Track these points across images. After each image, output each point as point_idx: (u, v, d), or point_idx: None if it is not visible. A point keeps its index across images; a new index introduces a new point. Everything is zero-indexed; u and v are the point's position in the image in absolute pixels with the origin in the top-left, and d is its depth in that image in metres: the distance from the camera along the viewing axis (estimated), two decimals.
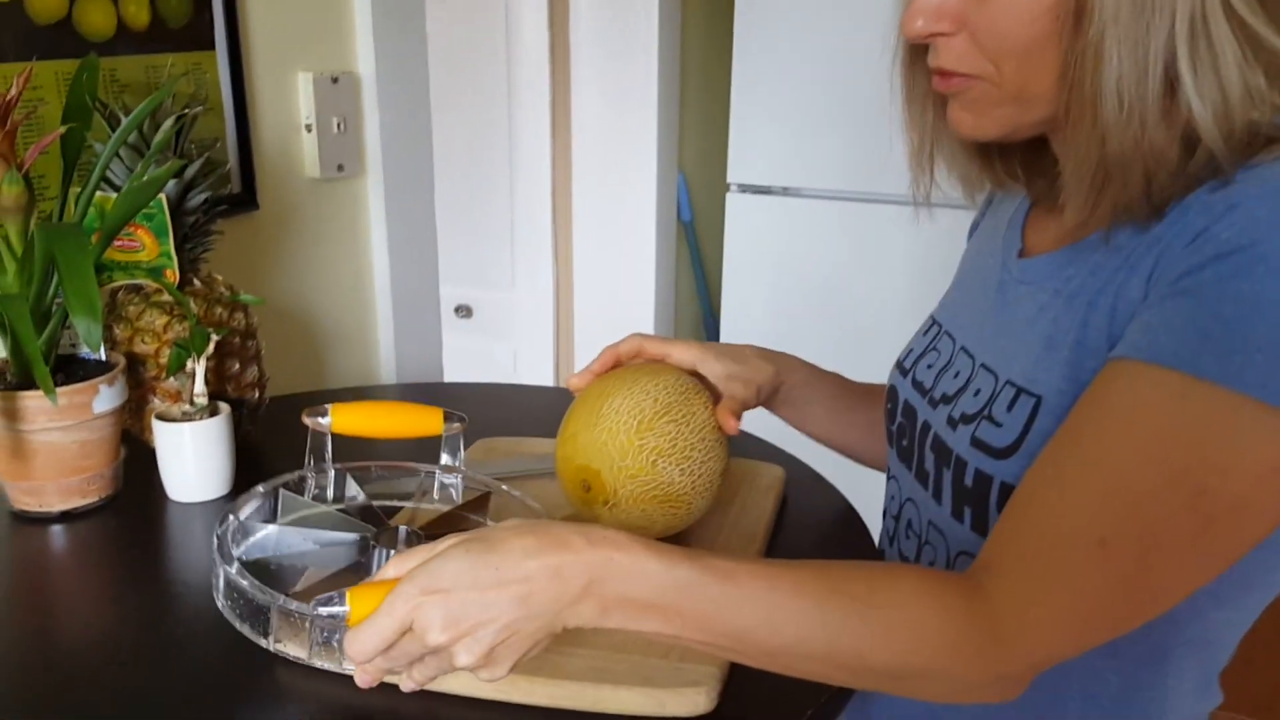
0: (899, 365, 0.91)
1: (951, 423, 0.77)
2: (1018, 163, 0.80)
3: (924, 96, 0.78)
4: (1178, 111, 0.62)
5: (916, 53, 0.76)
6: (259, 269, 1.34)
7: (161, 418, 0.99)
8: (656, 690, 0.70)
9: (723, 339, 2.39)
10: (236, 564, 0.71)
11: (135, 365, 1.03)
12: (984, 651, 0.60)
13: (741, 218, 2.30)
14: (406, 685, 0.64)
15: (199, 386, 0.99)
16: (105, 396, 0.94)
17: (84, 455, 0.95)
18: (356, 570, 0.77)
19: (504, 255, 2.62)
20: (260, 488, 0.83)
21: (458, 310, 2.73)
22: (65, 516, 0.96)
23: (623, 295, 2.49)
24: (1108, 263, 0.68)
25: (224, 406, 1.01)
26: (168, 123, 0.98)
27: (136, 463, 1.03)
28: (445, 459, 0.91)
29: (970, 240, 0.95)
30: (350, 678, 0.64)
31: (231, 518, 0.77)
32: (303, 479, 0.87)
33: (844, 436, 1.02)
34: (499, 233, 2.60)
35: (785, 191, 2.25)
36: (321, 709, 0.69)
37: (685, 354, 0.89)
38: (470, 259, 2.65)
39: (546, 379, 2.62)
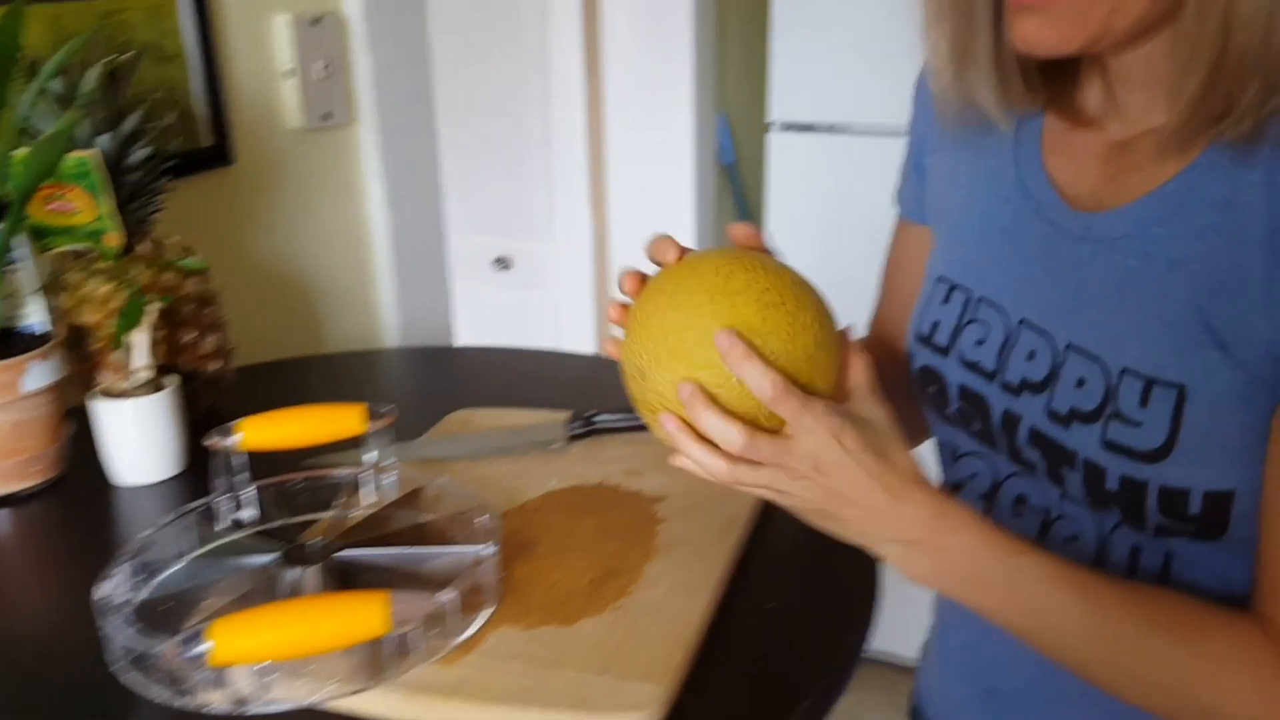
0: (924, 339, 0.78)
1: (1058, 419, 0.67)
2: (1038, 80, 0.71)
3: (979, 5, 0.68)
4: None
5: None
6: (238, 228, 1.26)
7: (105, 394, 0.92)
8: (591, 714, 0.60)
9: None
10: (121, 615, 0.64)
11: (82, 337, 0.96)
12: None
13: (785, 158, 2.16)
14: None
15: (140, 359, 0.92)
16: (36, 373, 0.88)
17: (18, 436, 0.88)
18: (265, 593, 0.69)
19: (541, 204, 2.52)
20: (167, 518, 0.75)
21: (497, 262, 2.65)
22: (3, 501, 0.89)
23: None
24: (1214, 223, 0.60)
25: (171, 380, 0.93)
26: (93, 71, 0.89)
27: (90, 442, 0.96)
28: (371, 456, 0.83)
29: (928, 182, 0.82)
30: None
31: (121, 567, 0.70)
32: (212, 505, 0.79)
33: None
34: (535, 182, 2.50)
35: (832, 129, 2.10)
36: None
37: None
38: (507, 209, 2.56)
39: (588, 330, 2.53)
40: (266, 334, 1.30)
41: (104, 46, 0.95)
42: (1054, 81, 0.72)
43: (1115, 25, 0.60)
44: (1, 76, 0.87)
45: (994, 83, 0.70)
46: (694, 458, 0.62)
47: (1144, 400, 0.62)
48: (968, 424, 0.75)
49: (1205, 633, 0.60)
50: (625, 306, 0.68)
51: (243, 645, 0.55)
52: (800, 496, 0.62)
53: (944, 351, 0.76)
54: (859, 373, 0.64)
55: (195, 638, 0.53)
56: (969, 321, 0.74)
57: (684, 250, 0.67)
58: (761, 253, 0.67)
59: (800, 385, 0.61)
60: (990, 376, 0.72)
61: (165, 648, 0.55)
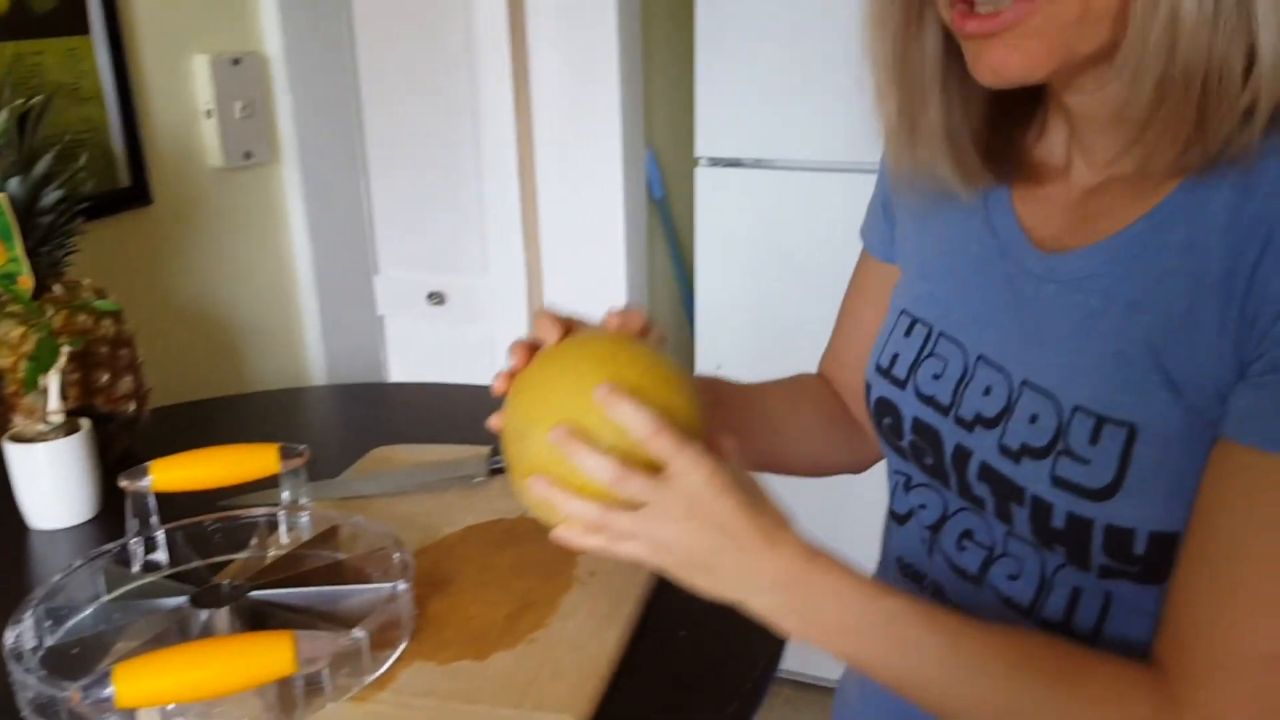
0: (884, 371, 0.78)
1: (1009, 454, 0.68)
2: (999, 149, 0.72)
3: (930, 59, 0.68)
4: (1246, 24, 0.57)
5: (912, 9, 0.67)
6: (158, 268, 1.25)
7: (16, 438, 0.90)
8: None
9: (699, 319, 2.30)
10: (30, 660, 0.63)
11: None
12: None
13: (713, 193, 2.20)
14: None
15: (54, 402, 0.91)
16: None
17: None
18: (177, 636, 0.68)
19: (474, 240, 2.53)
20: (77, 563, 0.74)
21: (430, 297, 2.64)
22: None
23: (594, 276, 2.40)
24: (1175, 266, 0.61)
25: (84, 423, 0.93)
26: (0, 115, 0.89)
27: (4, 485, 0.95)
28: (286, 496, 0.83)
29: (897, 223, 0.84)
30: None
31: (30, 613, 0.69)
32: (125, 548, 0.78)
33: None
34: (468, 217, 2.51)
35: (758, 164, 2.14)
36: None
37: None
38: (440, 244, 2.56)
39: None
40: (189, 374, 1.29)
41: (15, 90, 0.94)
42: (1012, 148, 0.73)
43: (1080, 44, 0.61)
44: None
45: (949, 160, 0.71)
46: (566, 508, 0.62)
47: (1094, 438, 0.63)
48: (920, 457, 0.76)
49: (1078, 674, 0.61)
50: (511, 375, 0.69)
51: (148, 688, 0.55)
52: (675, 546, 0.62)
53: (901, 384, 0.76)
54: (729, 442, 0.66)
55: (100, 681, 0.53)
56: (928, 355, 0.75)
57: (568, 328, 0.70)
58: (642, 339, 0.70)
59: None
60: (945, 411, 0.73)
61: (70, 693, 0.54)
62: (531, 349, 0.70)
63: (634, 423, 0.61)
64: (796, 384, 0.92)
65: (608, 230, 2.35)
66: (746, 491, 0.63)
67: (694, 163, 2.18)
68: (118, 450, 1.01)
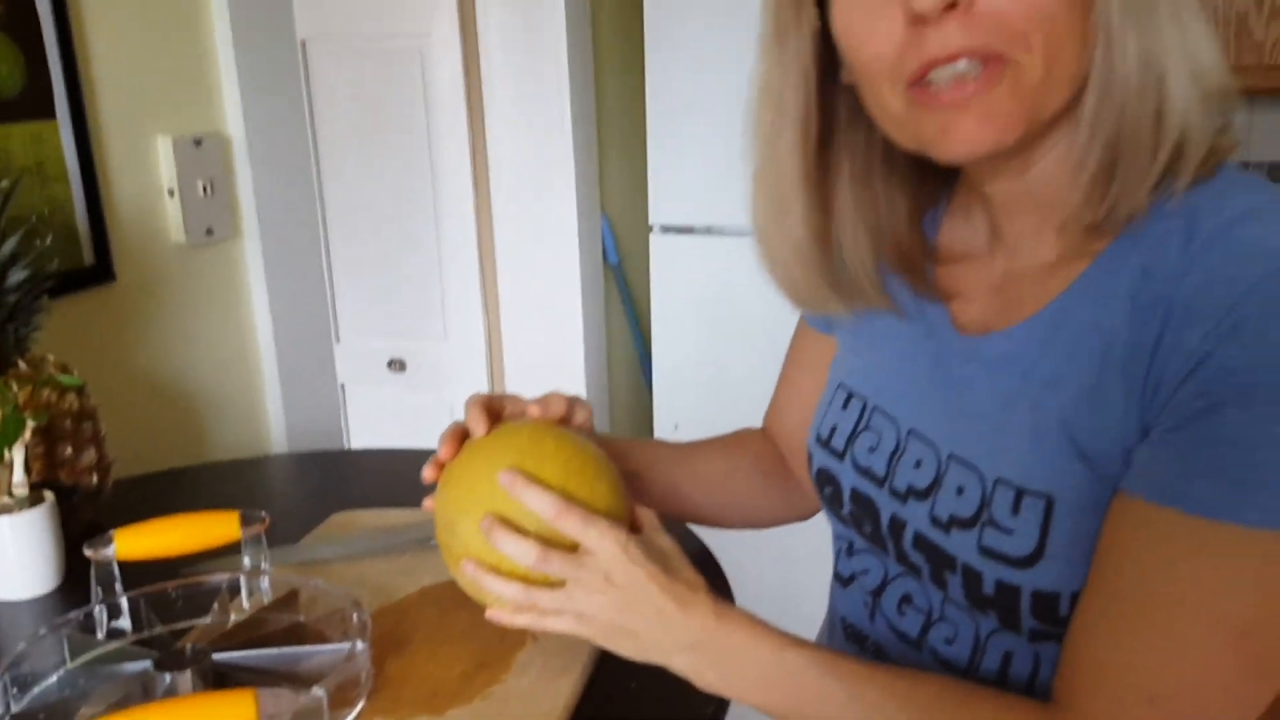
0: (823, 442, 0.82)
1: (939, 524, 0.71)
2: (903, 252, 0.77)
3: (862, 168, 0.73)
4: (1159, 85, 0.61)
5: (804, 125, 0.72)
6: (121, 343, 1.28)
7: None
8: None
9: (656, 381, 2.34)
10: None
11: None
12: None
13: (666, 258, 2.25)
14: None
15: (19, 475, 0.93)
16: None
17: None
18: (141, 699, 0.70)
19: (434, 307, 2.57)
20: (42, 630, 0.76)
21: (391, 364, 2.67)
22: None
23: (553, 341, 2.44)
24: (1084, 344, 0.64)
25: (48, 495, 0.95)
26: None
27: None
28: (247, 562, 0.85)
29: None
30: None
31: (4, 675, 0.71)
32: (89, 616, 0.81)
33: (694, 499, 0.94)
34: (429, 285, 2.56)
35: (709, 230, 2.21)
36: None
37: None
38: (401, 311, 2.60)
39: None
40: (152, 445, 1.31)
41: None
42: (926, 244, 0.77)
43: (1045, 106, 0.63)
44: None
45: (803, 274, 0.76)
46: (494, 590, 0.68)
47: (1015, 509, 0.65)
48: (860, 525, 0.79)
49: (969, 707, 0.64)
50: (442, 464, 0.76)
51: None
52: (596, 615, 0.67)
53: (840, 455, 0.80)
54: (646, 515, 0.71)
55: None
56: (864, 429, 0.79)
57: (498, 416, 0.77)
58: (567, 428, 0.76)
59: None
60: (880, 482, 0.76)
61: None
62: (461, 437, 0.77)
63: (539, 506, 0.67)
64: (737, 440, 0.96)
65: (566, 296, 2.40)
66: (659, 560, 0.67)
67: (648, 229, 2.24)
68: (81, 522, 1.03)
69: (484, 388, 2.55)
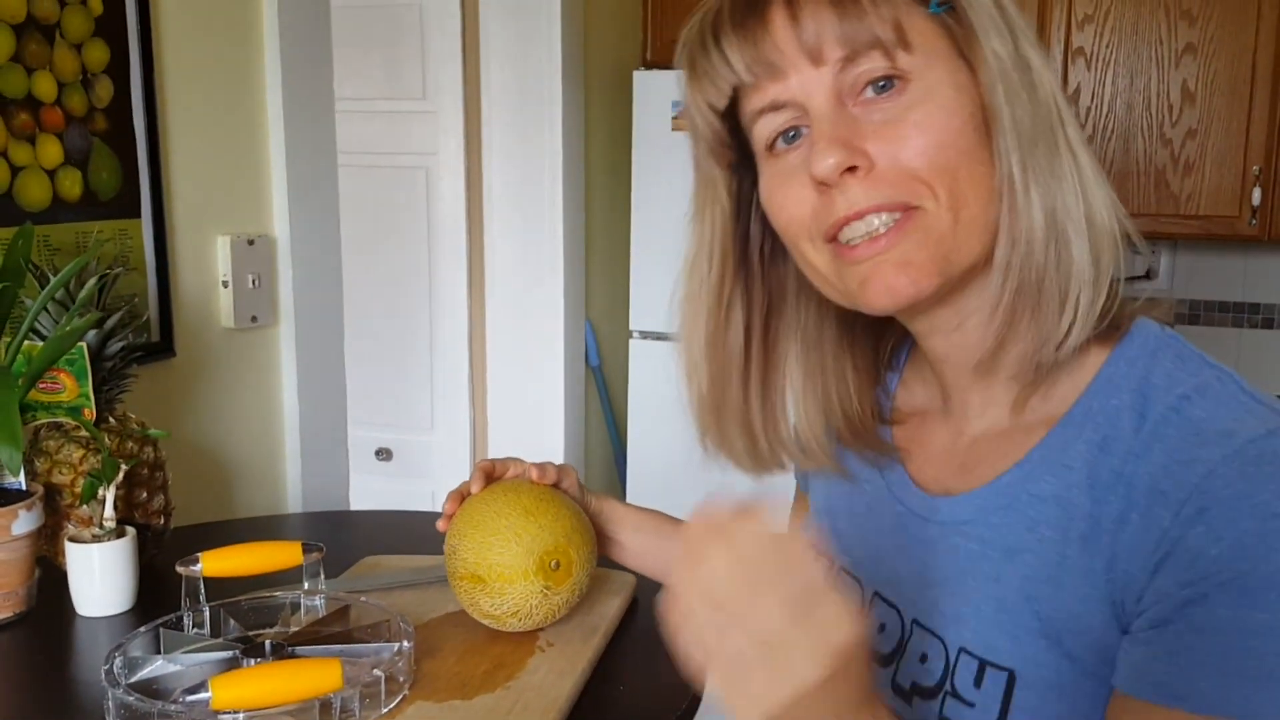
0: None
1: (901, 694, 0.69)
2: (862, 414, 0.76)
3: (814, 338, 0.73)
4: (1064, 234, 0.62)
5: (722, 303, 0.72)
6: (173, 409, 1.47)
7: (73, 540, 1.10)
8: None
9: (630, 478, 2.53)
10: (122, 687, 0.82)
11: (52, 495, 1.15)
12: None
13: (644, 363, 2.47)
14: None
15: (108, 511, 1.11)
16: (24, 520, 1.06)
17: (3, 574, 1.06)
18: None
19: (424, 400, 2.76)
20: (143, 628, 0.94)
21: (378, 453, 2.85)
22: None
23: (535, 436, 2.63)
24: (1043, 517, 0.63)
25: (130, 530, 1.13)
26: (91, 282, 1.13)
27: (49, 584, 1.14)
28: (307, 584, 1.04)
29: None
30: None
31: (118, 654, 0.89)
32: (179, 619, 0.98)
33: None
34: (419, 379, 2.75)
35: None
36: None
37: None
38: (391, 403, 2.79)
39: None
40: (185, 500, 1.49)
41: (100, 263, 1.19)
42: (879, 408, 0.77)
43: (957, 255, 0.62)
44: (16, 283, 1.10)
45: (744, 444, 0.75)
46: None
47: (978, 681, 0.64)
48: None
49: None
50: (449, 517, 1.01)
51: (238, 694, 0.75)
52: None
53: None
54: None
55: (199, 688, 0.73)
56: None
57: (498, 476, 1.03)
58: (561, 493, 1.02)
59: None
60: None
61: (175, 695, 0.74)
62: (462, 497, 1.02)
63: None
64: None
65: (549, 395, 2.61)
66: None
67: (628, 335, 2.46)
68: (144, 558, 1.21)
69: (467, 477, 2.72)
